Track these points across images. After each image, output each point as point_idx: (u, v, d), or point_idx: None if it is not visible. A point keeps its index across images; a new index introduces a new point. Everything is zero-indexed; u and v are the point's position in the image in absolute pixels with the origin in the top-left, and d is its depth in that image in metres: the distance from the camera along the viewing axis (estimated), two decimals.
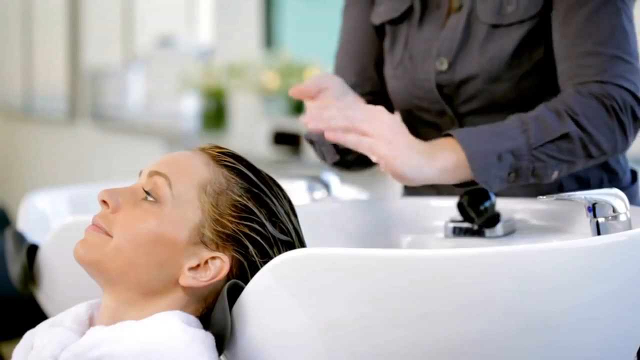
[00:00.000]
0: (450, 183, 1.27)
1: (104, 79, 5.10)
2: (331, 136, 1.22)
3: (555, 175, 1.29)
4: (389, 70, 1.47)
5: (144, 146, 4.64)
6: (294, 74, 3.80)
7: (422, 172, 1.23)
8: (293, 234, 1.13)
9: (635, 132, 1.33)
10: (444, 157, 1.24)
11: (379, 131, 1.22)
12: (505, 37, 1.37)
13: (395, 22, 1.45)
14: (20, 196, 1.94)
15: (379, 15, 1.46)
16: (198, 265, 1.09)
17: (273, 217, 1.12)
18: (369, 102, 1.46)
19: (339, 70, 1.50)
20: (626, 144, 1.32)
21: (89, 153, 5.28)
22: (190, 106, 4.36)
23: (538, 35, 1.36)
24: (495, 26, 1.37)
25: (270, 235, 1.11)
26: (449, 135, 1.27)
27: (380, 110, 1.24)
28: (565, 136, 1.27)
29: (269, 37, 4.14)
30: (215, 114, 4.19)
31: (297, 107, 3.78)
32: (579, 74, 1.32)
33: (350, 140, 1.22)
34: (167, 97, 4.58)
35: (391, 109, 1.50)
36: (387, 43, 1.47)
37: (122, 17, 4.95)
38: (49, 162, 5.67)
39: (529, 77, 1.37)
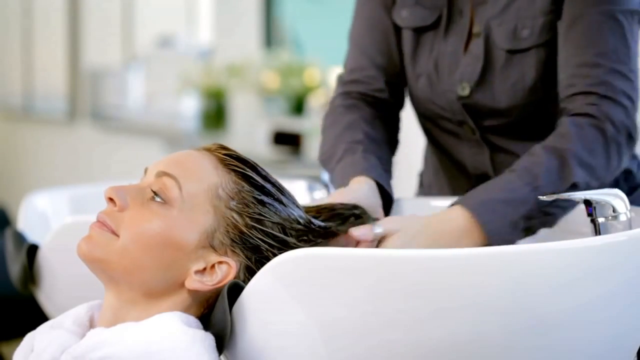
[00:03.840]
0: None
1: (104, 79, 5.10)
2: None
3: (560, 219, 1.28)
4: (410, 76, 1.45)
5: (144, 146, 4.64)
6: (294, 74, 3.80)
7: None
8: (302, 238, 1.14)
9: (630, 152, 1.30)
10: (466, 245, 1.22)
11: (404, 229, 1.21)
12: (525, 63, 1.35)
13: (421, 30, 1.43)
14: (20, 196, 1.94)
15: (403, 20, 1.44)
16: (204, 269, 1.09)
17: (282, 224, 1.12)
18: (384, 97, 1.45)
19: (357, 57, 1.47)
20: (620, 165, 1.30)
21: (89, 153, 5.28)
22: (190, 106, 4.36)
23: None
24: (512, 51, 1.35)
25: (281, 241, 1.11)
26: (459, 204, 1.23)
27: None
28: (573, 185, 1.25)
29: (269, 37, 4.14)
30: (215, 114, 4.19)
31: (297, 107, 3.78)
32: (575, 84, 1.30)
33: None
34: (167, 97, 4.58)
35: (402, 103, 1.49)
36: (408, 47, 1.44)
37: (122, 17, 4.95)
38: (48, 162, 5.67)
39: (554, 101, 1.35)
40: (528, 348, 1.02)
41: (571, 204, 1.28)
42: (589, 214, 1.17)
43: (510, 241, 1.23)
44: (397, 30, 1.45)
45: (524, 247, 1.02)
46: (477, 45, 1.37)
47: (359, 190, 1.28)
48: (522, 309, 1.00)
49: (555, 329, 1.01)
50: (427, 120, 1.47)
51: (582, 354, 1.05)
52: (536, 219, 1.25)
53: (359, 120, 1.42)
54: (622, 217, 1.16)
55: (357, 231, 1.18)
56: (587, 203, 1.17)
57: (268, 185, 1.12)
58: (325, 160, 1.41)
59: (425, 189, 1.56)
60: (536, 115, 1.37)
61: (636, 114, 1.30)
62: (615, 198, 1.16)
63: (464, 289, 0.98)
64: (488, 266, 0.98)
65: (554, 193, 1.22)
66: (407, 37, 1.44)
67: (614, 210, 1.16)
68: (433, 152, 1.53)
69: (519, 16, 1.35)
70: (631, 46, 1.30)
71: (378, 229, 1.19)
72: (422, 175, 1.59)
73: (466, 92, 1.39)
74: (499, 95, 1.37)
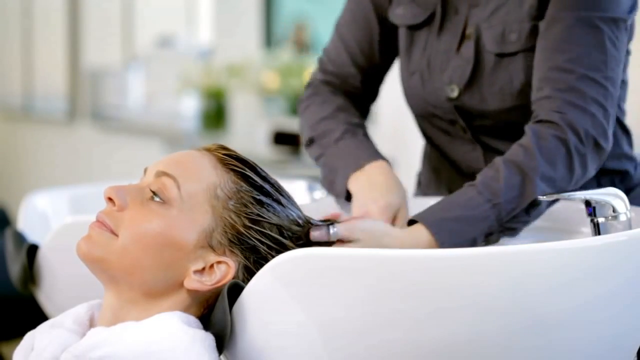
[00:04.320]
0: None
1: (104, 79, 5.10)
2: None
3: (521, 230, 1.27)
4: (404, 73, 1.46)
5: (143, 146, 4.64)
6: (294, 74, 3.80)
7: None
8: (299, 242, 1.14)
9: (599, 161, 1.29)
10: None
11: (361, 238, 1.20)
12: (513, 67, 1.34)
13: (415, 27, 1.43)
14: (20, 196, 1.94)
15: (398, 17, 1.44)
16: (203, 269, 1.09)
17: (281, 224, 1.12)
18: (359, 93, 1.48)
19: (339, 49, 1.49)
20: (586, 174, 1.28)
21: (89, 153, 5.28)
22: (190, 106, 4.36)
23: None
24: (501, 55, 1.35)
25: (278, 242, 1.11)
26: (420, 221, 1.23)
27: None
28: (534, 202, 1.24)
29: (269, 37, 4.14)
30: (215, 114, 4.19)
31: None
32: (544, 87, 1.28)
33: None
34: (167, 97, 4.58)
35: (375, 98, 1.51)
36: (402, 45, 1.45)
37: (122, 17, 4.95)
38: (48, 162, 5.67)
39: None
40: (528, 348, 1.02)
41: (534, 217, 1.26)
42: (589, 214, 1.17)
43: None
44: (393, 28, 1.46)
45: (524, 247, 1.02)
46: (468, 48, 1.38)
47: (400, 184, 1.31)
48: (522, 309, 1.00)
49: (555, 329, 1.01)
50: (422, 119, 1.47)
51: (582, 354, 1.05)
52: (495, 234, 1.24)
53: (349, 106, 1.45)
54: (622, 217, 1.16)
55: (314, 232, 1.16)
56: (587, 203, 1.17)
57: (267, 186, 1.12)
58: (318, 136, 1.42)
59: (423, 187, 1.56)
60: (526, 117, 1.36)
61: (609, 121, 1.28)
62: (615, 198, 1.16)
63: (463, 289, 0.98)
64: (488, 266, 0.98)
65: (514, 210, 1.22)
66: (402, 34, 1.45)
67: (614, 210, 1.16)
68: (431, 151, 1.54)
69: (507, 20, 1.35)
70: (609, 53, 1.28)
71: (333, 229, 1.18)
72: (420, 175, 1.59)
73: (455, 94, 1.39)
74: (488, 98, 1.37)
